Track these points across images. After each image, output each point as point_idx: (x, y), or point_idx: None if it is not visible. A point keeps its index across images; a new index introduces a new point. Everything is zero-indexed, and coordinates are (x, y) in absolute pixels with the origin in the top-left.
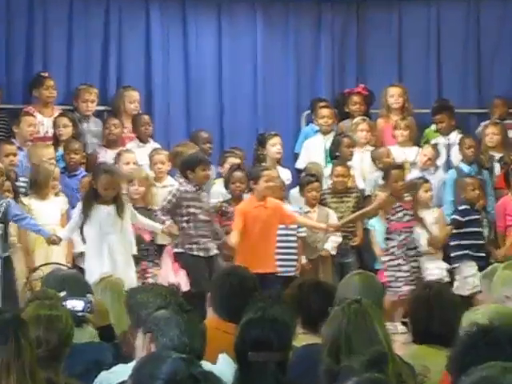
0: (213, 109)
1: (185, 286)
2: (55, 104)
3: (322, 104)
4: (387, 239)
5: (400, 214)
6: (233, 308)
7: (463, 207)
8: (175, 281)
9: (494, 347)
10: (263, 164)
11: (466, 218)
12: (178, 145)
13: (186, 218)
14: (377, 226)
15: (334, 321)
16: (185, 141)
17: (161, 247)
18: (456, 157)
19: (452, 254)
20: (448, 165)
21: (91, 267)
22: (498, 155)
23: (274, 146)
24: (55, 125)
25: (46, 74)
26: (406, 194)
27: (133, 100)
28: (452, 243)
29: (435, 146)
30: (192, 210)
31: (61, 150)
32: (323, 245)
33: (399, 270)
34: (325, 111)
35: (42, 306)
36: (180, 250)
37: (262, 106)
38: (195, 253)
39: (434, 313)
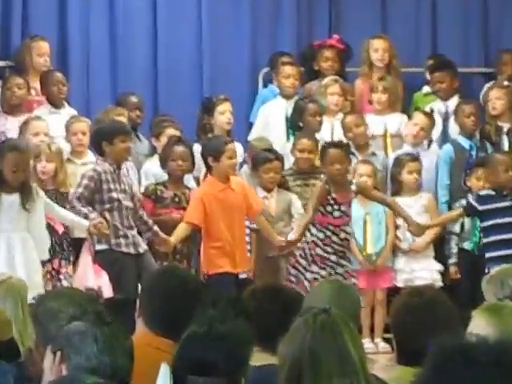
0: (146, 66)
1: (107, 292)
2: None
3: (286, 60)
4: (309, 231)
5: (329, 208)
6: (168, 319)
7: (485, 192)
8: (95, 284)
9: (475, 369)
10: (218, 135)
11: (486, 207)
12: (102, 111)
13: (108, 206)
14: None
15: (294, 336)
16: (110, 106)
17: (77, 241)
18: (455, 128)
19: (486, 255)
20: (445, 138)
21: None
22: (506, 126)
23: (224, 114)
24: None
25: None
26: (352, 183)
27: (42, 53)
28: (485, 240)
29: (429, 113)
30: (114, 194)
31: None
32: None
33: (301, 276)
34: (289, 69)
35: None
36: (103, 247)
37: (208, 63)
38: (124, 249)
39: (424, 327)
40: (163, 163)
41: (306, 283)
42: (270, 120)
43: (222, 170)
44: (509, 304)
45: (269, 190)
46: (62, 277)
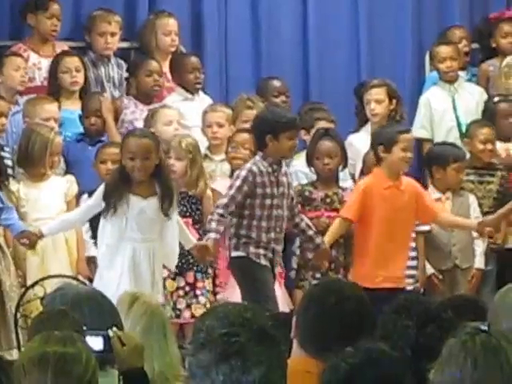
0: (294, 47)
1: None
2: (58, 39)
3: (447, 38)
4: None
5: None
6: (322, 342)
7: None
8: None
9: None
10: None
11: None
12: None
13: (258, 213)
14: None
15: (451, 361)
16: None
17: None
18: None
19: None
20: None
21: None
22: None
23: (369, 104)
24: (59, 67)
25: None
26: None
27: (168, 31)
28: None
29: None
30: (268, 201)
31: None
32: (461, 252)
33: None
34: (442, 50)
35: (50, 339)
36: (239, 254)
37: (365, 41)
38: (263, 261)
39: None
40: (308, 160)
41: None
42: (434, 111)
43: (392, 162)
44: None
45: (444, 191)
46: (198, 292)
